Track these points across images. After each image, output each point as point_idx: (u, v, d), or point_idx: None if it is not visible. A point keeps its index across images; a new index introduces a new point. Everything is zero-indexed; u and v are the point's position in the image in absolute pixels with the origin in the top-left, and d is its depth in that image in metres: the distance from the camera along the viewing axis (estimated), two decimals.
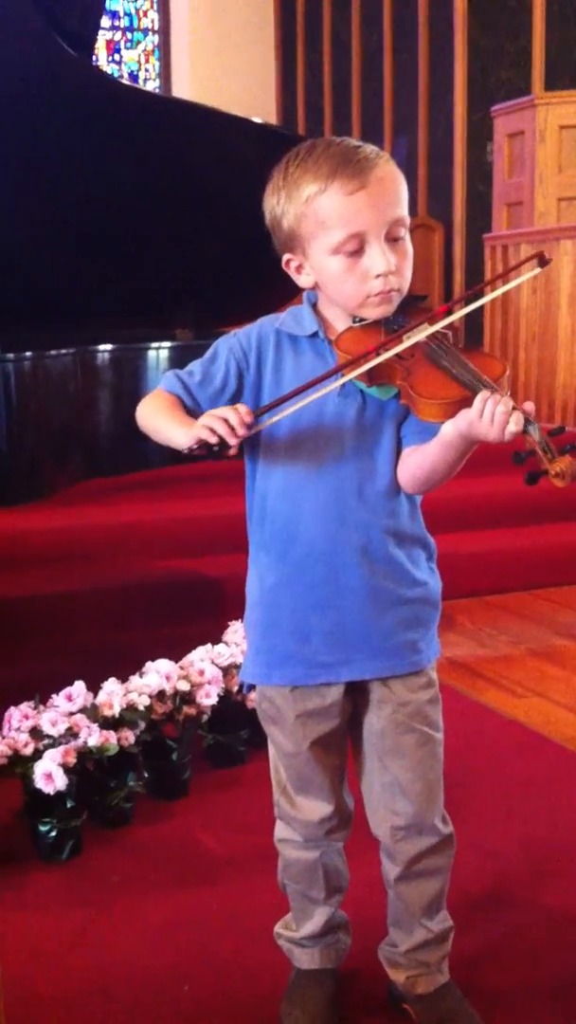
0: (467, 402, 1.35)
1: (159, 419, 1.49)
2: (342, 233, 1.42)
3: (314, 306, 1.54)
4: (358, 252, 1.43)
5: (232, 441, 1.37)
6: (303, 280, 1.51)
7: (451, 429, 1.39)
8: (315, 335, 1.51)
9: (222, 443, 1.37)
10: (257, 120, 2.93)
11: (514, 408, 1.32)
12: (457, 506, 4.00)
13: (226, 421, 1.36)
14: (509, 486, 4.06)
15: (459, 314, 1.47)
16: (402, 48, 7.42)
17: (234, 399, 1.51)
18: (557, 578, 4.20)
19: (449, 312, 1.43)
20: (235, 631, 2.70)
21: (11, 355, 2.40)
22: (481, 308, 5.52)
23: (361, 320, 1.47)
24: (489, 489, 4.13)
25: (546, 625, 3.75)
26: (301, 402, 1.41)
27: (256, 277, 2.70)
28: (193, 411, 1.51)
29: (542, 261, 1.43)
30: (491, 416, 1.32)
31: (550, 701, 3.05)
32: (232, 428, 1.36)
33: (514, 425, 1.31)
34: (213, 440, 1.37)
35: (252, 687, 1.65)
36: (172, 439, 1.45)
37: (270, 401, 1.47)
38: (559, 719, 2.91)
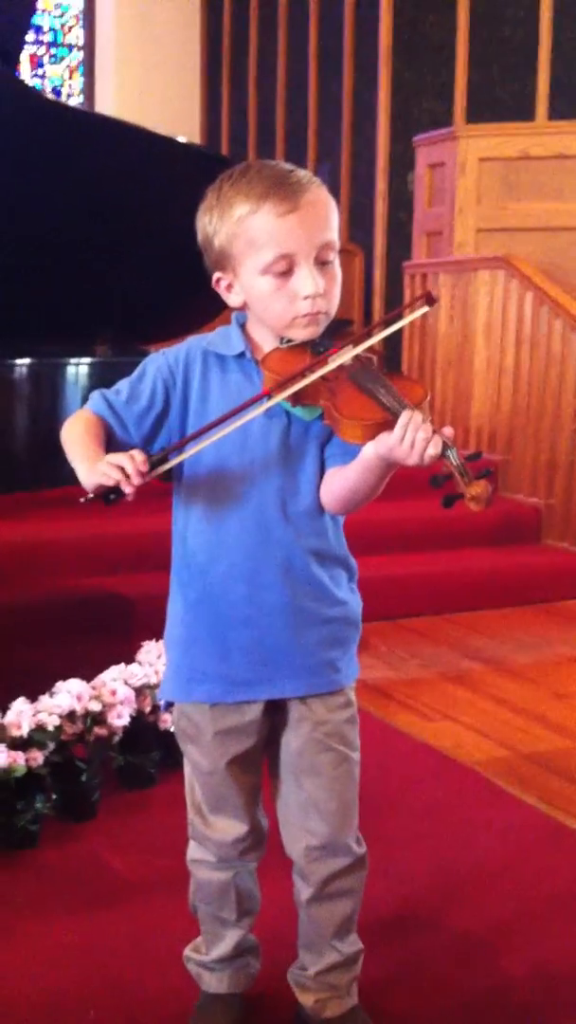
0: (388, 425, 1.37)
1: (74, 448, 1.48)
2: (272, 253, 1.44)
3: (243, 326, 1.54)
4: (287, 273, 1.45)
5: (127, 489, 1.36)
6: (233, 299, 1.52)
7: (371, 451, 1.40)
8: (242, 355, 1.52)
9: (117, 490, 1.37)
10: (185, 140, 2.93)
11: (434, 432, 1.34)
12: (372, 529, 4.03)
13: (122, 469, 1.36)
14: (423, 511, 4.11)
15: (378, 337, 1.50)
16: (327, 76, 7.51)
17: (161, 417, 1.52)
18: (468, 603, 4.27)
19: (369, 335, 1.46)
20: (148, 651, 2.67)
21: None
22: (400, 334, 5.60)
23: (288, 341, 1.48)
24: (403, 514, 4.18)
25: (457, 649, 3.80)
26: (220, 432, 1.42)
27: (179, 297, 2.70)
28: (118, 432, 1.51)
29: (429, 300, 1.48)
30: (411, 441, 1.35)
31: (459, 724, 3.08)
32: (127, 476, 1.36)
33: (433, 449, 1.34)
34: (110, 484, 1.37)
35: (170, 705, 1.63)
36: (79, 474, 1.44)
37: (194, 421, 1.49)
38: (468, 742, 2.95)
